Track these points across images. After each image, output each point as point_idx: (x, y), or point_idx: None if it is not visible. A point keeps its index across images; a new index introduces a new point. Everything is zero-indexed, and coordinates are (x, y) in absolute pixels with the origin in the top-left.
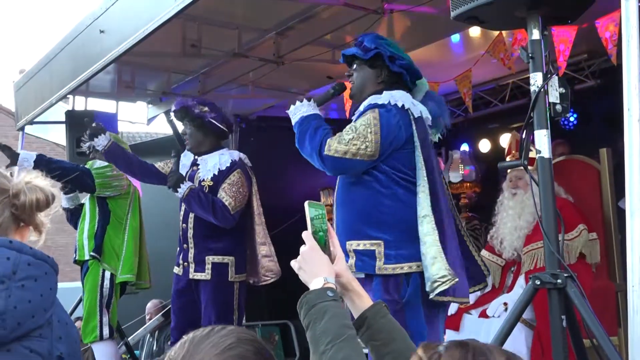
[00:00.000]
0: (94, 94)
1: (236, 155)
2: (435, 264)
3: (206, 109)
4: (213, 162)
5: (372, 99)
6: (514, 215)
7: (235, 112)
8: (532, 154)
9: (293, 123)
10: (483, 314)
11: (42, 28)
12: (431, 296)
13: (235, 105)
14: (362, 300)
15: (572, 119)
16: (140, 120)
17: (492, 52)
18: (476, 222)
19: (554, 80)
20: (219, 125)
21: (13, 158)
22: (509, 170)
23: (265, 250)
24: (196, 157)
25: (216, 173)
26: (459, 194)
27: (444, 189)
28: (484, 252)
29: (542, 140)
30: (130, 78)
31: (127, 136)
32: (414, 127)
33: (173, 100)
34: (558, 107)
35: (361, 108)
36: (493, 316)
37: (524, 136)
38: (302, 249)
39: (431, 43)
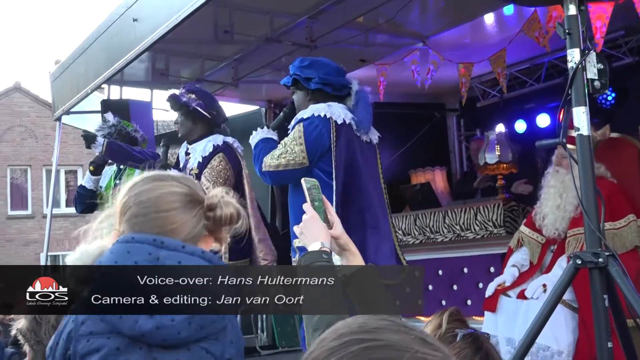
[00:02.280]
0: (129, 83)
1: (220, 140)
2: None
3: (193, 96)
4: (199, 149)
5: (299, 115)
6: (555, 194)
7: (269, 97)
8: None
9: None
10: (521, 295)
11: (76, 18)
12: None
13: (268, 90)
14: (356, 260)
15: (610, 97)
16: None
17: (527, 31)
18: (513, 203)
19: (592, 56)
20: (203, 112)
21: (89, 140)
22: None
23: (262, 233)
24: (188, 145)
25: (200, 160)
26: (495, 175)
27: (368, 186)
28: (523, 229)
29: (581, 118)
30: (164, 66)
31: (162, 124)
32: (333, 133)
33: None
34: (596, 83)
35: (292, 123)
36: (532, 298)
37: (561, 114)
38: (304, 217)
39: (465, 23)
